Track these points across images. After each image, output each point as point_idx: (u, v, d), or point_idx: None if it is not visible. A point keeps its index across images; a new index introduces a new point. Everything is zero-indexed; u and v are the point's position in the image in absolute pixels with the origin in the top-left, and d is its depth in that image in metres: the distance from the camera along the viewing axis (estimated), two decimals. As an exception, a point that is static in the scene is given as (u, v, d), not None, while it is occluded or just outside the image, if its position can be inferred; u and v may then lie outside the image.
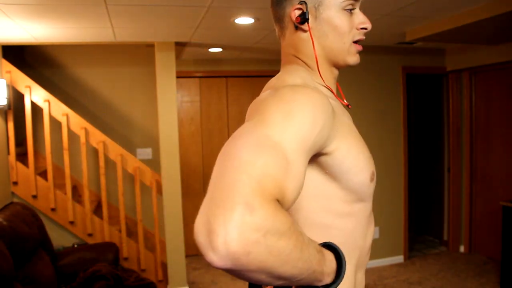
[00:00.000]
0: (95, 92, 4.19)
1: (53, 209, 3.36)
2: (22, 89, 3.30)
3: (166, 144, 3.45)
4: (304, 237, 0.63)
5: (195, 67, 4.48)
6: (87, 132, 3.42)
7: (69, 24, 2.76)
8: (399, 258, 4.27)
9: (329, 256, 0.71)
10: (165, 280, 3.56)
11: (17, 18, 2.55)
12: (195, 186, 4.52)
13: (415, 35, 3.24)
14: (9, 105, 3.21)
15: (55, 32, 2.97)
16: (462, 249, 4.48)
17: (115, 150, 3.49)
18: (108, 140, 3.48)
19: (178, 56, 3.99)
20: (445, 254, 4.43)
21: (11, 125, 3.28)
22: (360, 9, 0.91)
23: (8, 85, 3.22)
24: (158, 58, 3.42)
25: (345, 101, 0.98)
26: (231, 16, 2.70)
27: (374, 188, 0.88)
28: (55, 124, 3.61)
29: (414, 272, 3.96)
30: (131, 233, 3.87)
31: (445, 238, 4.66)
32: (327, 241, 0.74)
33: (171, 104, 3.45)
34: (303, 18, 0.87)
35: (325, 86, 0.92)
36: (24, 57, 3.95)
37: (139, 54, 4.24)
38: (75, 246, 3.33)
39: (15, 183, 3.29)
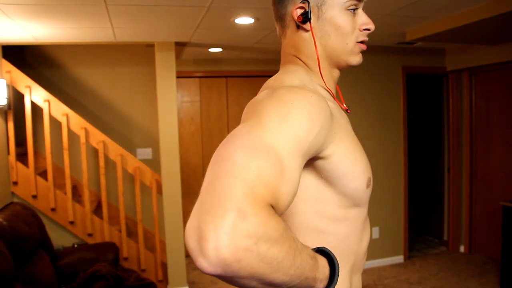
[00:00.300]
0: (95, 92, 4.19)
1: (53, 209, 3.36)
2: (22, 89, 3.30)
3: (166, 144, 3.45)
4: (297, 243, 0.62)
5: (195, 67, 4.48)
6: (87, 132, 3.42)
7: (69, 24, 2.76)
8: (399, 258, 4.27)
9: (323, 262, 0.70)
10: (165, 280, 3.56)
11: (17, 18, 2.55)
12: (195, 186, 4.52)
13: (415, 35, 3.24)
14: (9, 105, 3.21)
15: (55, 32, 2.97)
16: (462, 249, 4.48)
17: (115, 150, 3.49)
18: (108, 140, 3.48)
19: (178, 56, 3.99)
20: (445, 254, 4.43)
21: (11, 125, 3.28)
22: (363, 9, 0.89)
23: (8, 85, 3.22)
24: (158, 58, 3.42)
25: (344, 105, 0.95)
26: (231, 16, 2.70)
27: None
28: (55, 124, 3.61)
29: (414, 272, 3.96)
30: (131, 233, 3.87)
31: (445, 238, 4.66)
32: (321, 246, 0.73)
33: (171, 104, 3.45)
34: (305, 17, 0.85)
35: (324, 88, 0.90)
36: (24, 57, 3.94)
37: (139, 54, 4.24)
38: (75, 246, 3.32)
39: (15, 183, 3.29)
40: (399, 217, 4.26)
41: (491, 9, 2.57)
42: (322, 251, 0.72)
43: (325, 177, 0.78)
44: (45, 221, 3.06)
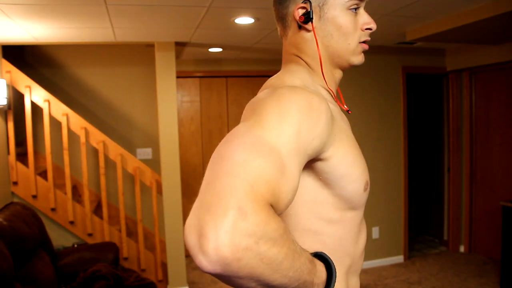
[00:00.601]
0: (95, 92, 4.19)
1: (53, 209, 3.36)
2: (22, 89, 3.30)
3: (166, 144, 3.45)
4: (296, 246, 0.62)
5: (195, 67, 4.48)
6: (87, 132, 3.42)
7: (69, 24, 2.76)
8: (399, 258, 4.27)
9: (320, 266, 0.69)
10: (165, 280, 3.56)
11: (17, 18, 2.55)
12: (195, 186, 4.52)
13: (415, 35, 3.24)
14: (9, 105, 3.21)
15: (55, 32, 2.97)
16: (462, 249, 4.48)
17: (115, 150, 3.49)
18: (108, 140, 3.48)
19: (178, 56, 3.99)
20: (445, 254, 4.43)
21: (11, 125, 3.28)
22: (364, 9, 0.89)
23: (8, 85, 3.22)
24: (158, 58, 3.42)
25: (345, 106, 0.95)
26: (231, 16, 2.70)
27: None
28: (55, 124, 3.61)
29: (414, 272, 3.96)
30: (131, 233, 3.87)
31: (445, 238, 4.66)
32: (318, 250, 0.73)
33: (171, 104, 3.45)
34: (307, 17, 0.84)
35: (326, 89, 0.89)
36: (24, 57, 3.95)
37: (139, 54, 4.24)
38: (75, 246, 3.32)
39: (15, 183, 3.29)
40: (399, 217, 4.26)
41: (491, 9, 2.57)
42: (319, 256, 0.72)
43: (323, 179, 0.78)
44: (45, 221, 3.06)
